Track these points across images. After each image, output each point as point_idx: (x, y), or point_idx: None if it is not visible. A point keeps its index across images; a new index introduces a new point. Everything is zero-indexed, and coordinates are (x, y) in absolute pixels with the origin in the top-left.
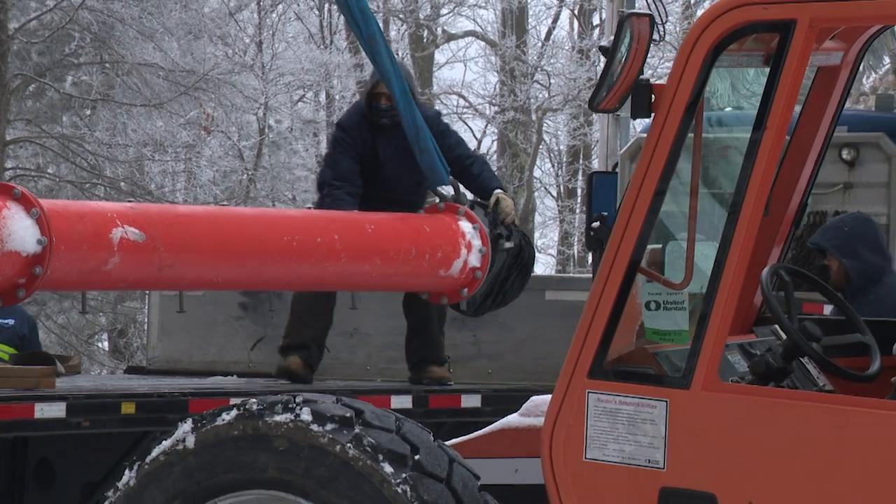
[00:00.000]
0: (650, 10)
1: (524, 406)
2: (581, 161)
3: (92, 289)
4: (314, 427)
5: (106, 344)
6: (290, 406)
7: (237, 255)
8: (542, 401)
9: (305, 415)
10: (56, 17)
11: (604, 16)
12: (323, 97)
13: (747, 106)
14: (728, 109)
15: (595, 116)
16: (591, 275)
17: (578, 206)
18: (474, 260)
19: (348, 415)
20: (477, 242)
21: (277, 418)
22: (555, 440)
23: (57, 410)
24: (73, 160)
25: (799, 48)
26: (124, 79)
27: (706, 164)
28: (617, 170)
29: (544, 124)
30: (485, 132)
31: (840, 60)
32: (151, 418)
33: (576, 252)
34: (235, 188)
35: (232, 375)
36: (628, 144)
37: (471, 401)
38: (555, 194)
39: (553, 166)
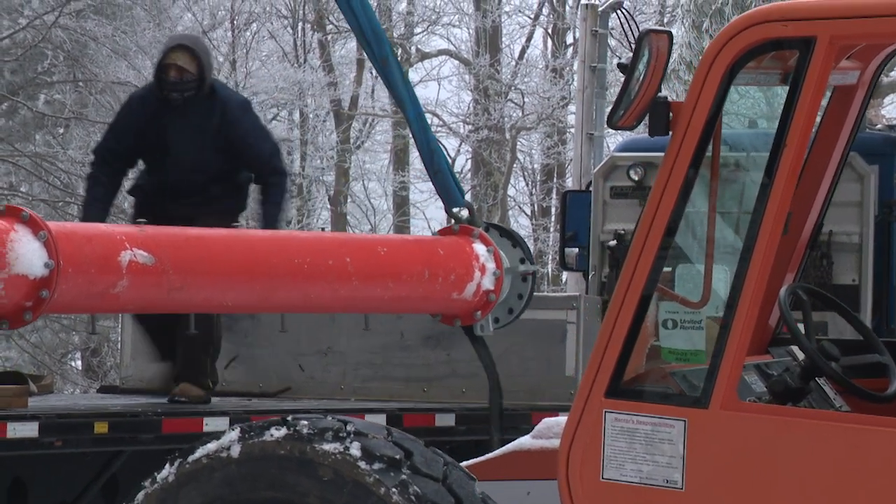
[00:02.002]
0: (623, 29)
1: (536, 428)
2: (555, 179)
3: (100, 312)
4: (361, 464)
5: (79, 363)
6: (341, 435)
7: (247, 278)
8: (554, 422)
9: (355, 449)
10: (29, 35)
11: (577, 35)
12: (297, 116)
13: (765, 124)
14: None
15: (568, 135)
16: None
17: (552, 224)
18: (488, 283)
19: (398, 456)
20: (491, 265)
21: (326, 447)
22: (571, 460)
23: (29, 430)
24: (46, 179)
25: (818, 66)
26: (98, 97)
27: (724, 183)
28: (591, 188)
29: (518, 143)
30: (459, 151)
31: (857, 80)
32: (125, 438)
33: (550, 270)
34: None
35: None
36: (602, 163)
37: (445, 420)
38: (529, 213)
39: (527, 185)
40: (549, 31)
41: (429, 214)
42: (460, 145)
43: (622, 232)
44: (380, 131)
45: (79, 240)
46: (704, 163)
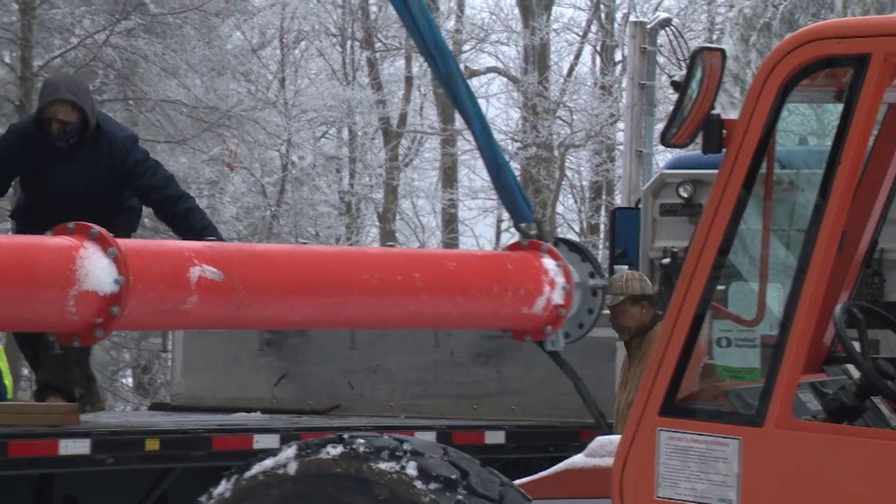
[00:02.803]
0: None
1: (589, 446)
2: (604, 197)
3: (169, 328)
4: (418, 484)
5: (130, 380)
6: (398, 454)
7: (316, 294)
8: (607, 441)
9: (411, 469)
10: (80, 54)
11: (626, 52)
12: (346, 133)
13: (819, 142)
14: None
15: (617, 152)
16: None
17: (601, 241)
18: (557, 297)
19: (454, 476)
20: (560, 280)
21: (382, 466)
22: (625, 479)
23: (81, 447)
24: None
25: (873, 83)
26: (148, 115)
27: (778, 200)
28: (640, 205)
29: (567, 160)
30: None
31: None
32: (175, 455)
33: None
34: (258, 224)
35: (256, 412)
36: (651, 180)
37: (495, 437)
38: (577, 230)
39: (576, 202)
40: (598, 48)
41: (477, 232)
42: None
43: (675, 249)
44: (428, 149)
45: (148, 256)
46: (758, 180)
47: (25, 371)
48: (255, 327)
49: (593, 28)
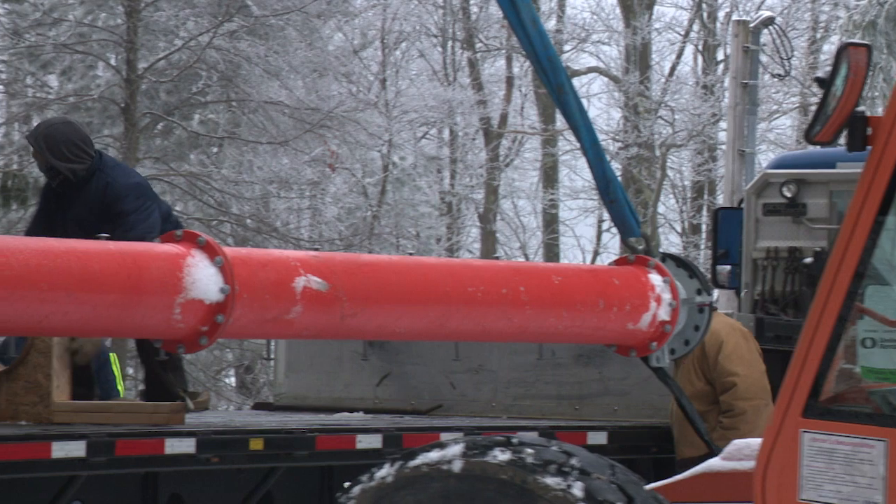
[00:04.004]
0: (775, 45)
1: (726, 450)
2: (706, 197)
3: (273, 337)
4: None
5: (233, 380)
6: (564, 470)
7: (420, 305)
8: (744, 444)
9: (577, 489)
10: (184, 56)
11: (728, 51)
12: (446, 134)
13: None
14: None
15: (719, 152)
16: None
17: (703, 242)
18: (664, 314)
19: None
20: (667, 296)
21: (548, 480)
22: (767, 481)
23: (187, 446)
24: (200, 197)
25: None
26: (250, 117)
27: None
28: (742, 205)
29: (668, 160)
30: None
31: None
32: (279, 454)
33: None
34: (360, 225)
35: (358, 412)
36: (754, 180)
37: (597, 438)
38: (679, 230)
39: (677, 202)
40: (700, 47)
41: (578, 232)
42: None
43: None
44: (529, 149)
45: (254, 265)
46: None
47: (131, 370)
48: (358, 337)
49: (695, 27)
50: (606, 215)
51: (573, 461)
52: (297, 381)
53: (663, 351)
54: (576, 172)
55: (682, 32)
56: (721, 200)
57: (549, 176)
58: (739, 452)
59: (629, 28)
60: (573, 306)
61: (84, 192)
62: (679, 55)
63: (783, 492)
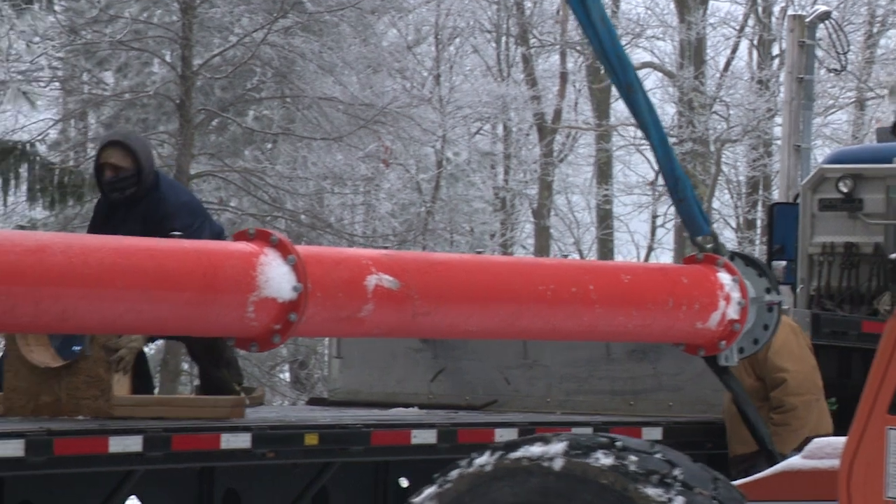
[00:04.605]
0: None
1: (806, 448)
2: (761, 192)
3: (344, 336)
4: None
5: (287, 375)
6: (667, 482)
7: (491, 304)
8: (825, 442)
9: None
10: (238, 52)
11: (783, 46)
12: (500, 129)
13: None
14: None
15: (774, 147)
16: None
17: (758, 237)
18: (733, 312)
19: None
20: (736, 295)
21: (649, 491)
22: (853, 479)
23: (242, 441)
24: (254, 193)
25: None
26: (304, 113)
27: None
28: (798, 201)
29: (723, 155)
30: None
31: None
32: (334, 449)
33: None
34: (413, 221)
35: (413, 407)
36: (810, 175)
37: (652, 433)
38: (734, 226)
39: (732, 197)
40: (755, 42)
41: (632, 228)
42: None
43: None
44: (583, 144)
45: (327, 263)
46: None
47: (185, 366)
48: (429, 336)
49: (750, 22)
50: (661, 211)
51: (676, 472)
52: (351, 377)
53: (732, 350)
54: (630, 168)
55: (737, 27)
56: (776, 196)
57: (603, 171)
58: (821, 451)
59: (684, 23)
60: (642, 305)
61: (138, 208)
62: (734, 50)
63: (869, 490)
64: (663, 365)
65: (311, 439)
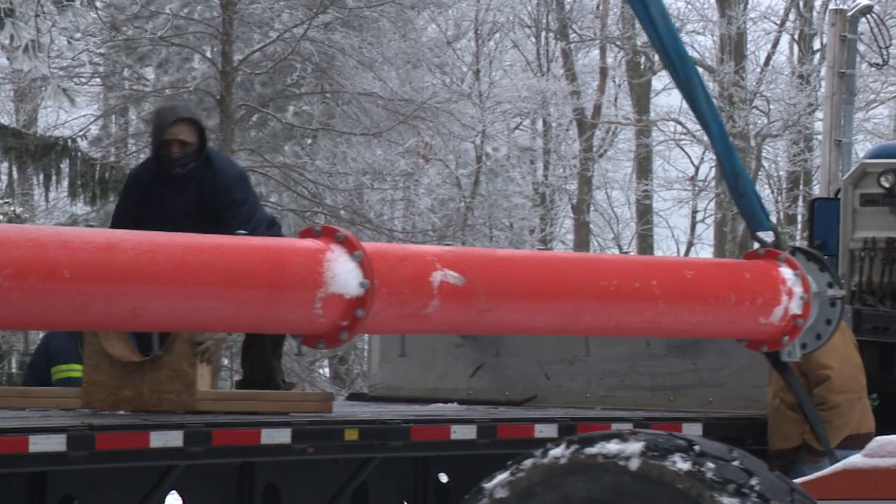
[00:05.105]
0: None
1: (868, 447)
2: (801, 187)
3: (410, 332)
4: None
5: (327, 370)
6: (744, 491)
7: (555, 300)
8: (887, 441)
9: None
10: (279, 48)
11: (825, 40)
12: (540, 124)
13: None
14: None
15: (815, 142)
16: None
17: (799, 232)
18: (795, 307)
19: None
20: (798, 290)
21: (725, 501)
22: None
23: (283, 436)
24: (294, 188)
25: None
26: (344, 108)
27: None
28: (839, 196)
29: (763, 150)
30: (702, 159)
31: None
32: (374, 445)
33: None
34: (453, 216)
35: (452, 403)
36: (851, 170)
37: (692, 429)
38: (774, 221)
39: (772, 193)
40: (796, 36)
41: (672, 223)
42: (704, 153)
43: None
44: (623, 139)
45: (392, 260)
46: None
47: (226, 361)
48: (493, 332)
49: (791, 16)
50: (700, 206)
51: (753, 482)
52: (391, 372)
53: (794, 346)
54: (670, 163)
55: (778, 22)
56: (817, 191)
57: (643, 166)
58: (882, 449)
59: (724, 18)
60: (705, 300)
61: (192, 182)
62: (775, 45)
63: None
64: (704, 361)
65: (351, 435)
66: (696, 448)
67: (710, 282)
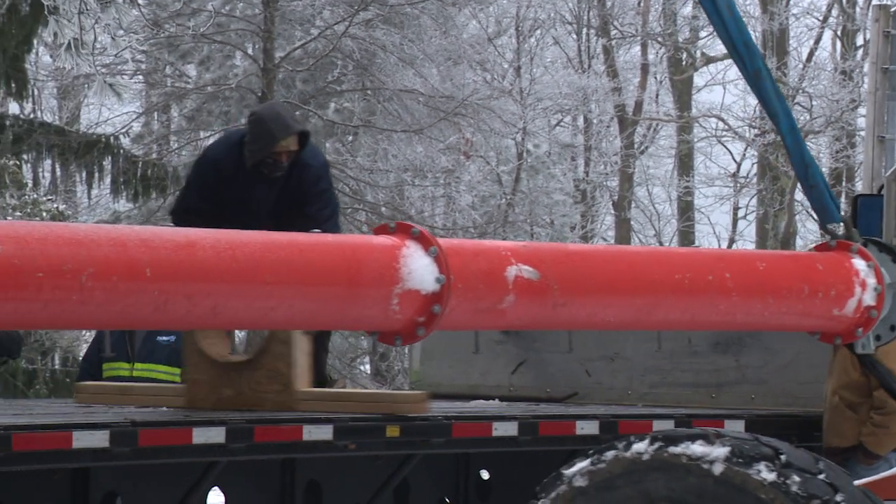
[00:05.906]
0: None
1: None
2: (844, 184)
3: (485, 328)
4: None
5: (368, 367)
6: (827, 500)
7: (630, 294)
8: None
9: None
10: (320, 45)
11: (868, 36)
12: (581, 121)
13: None
14: None
15: (858, 138)
16: None
17: None
18: (869, 299)
19: None
20: (872, 281)
21: None
22: None
23: (324, 433)
24: (335, 185)
25: None
26: (385, 105)
27: None
28: (882, 192)
29: (806, 146)
30: (744, 155)
31: None
32: (415, 441)
33: None
34: (494, 213)
35: (494, 399)
36: (894, 167)
37: (734, 426)
38: (817, 218)
39: None
40: (839, 32)
41: (713, 219)
42: (746, 149)
43: None
44: (664, 136)
45: (467, 255)
46: None
47: None
48: (568, 328)
49: (834, 12)
50: (742, 203)
51: (839, 498)
52: (432, 369)
53: (869, 337)
54: (711, 159)
55: (821, 17)
56: (860, 187)
57: (685, 163)
58: None
59: (766, 13)
60: (779, 293)
61: (287, 173)
62: (817, 41)
63: None
64: (747, 357)
65: (393, 431)
66: (783, 458)
67: (782, 274)
